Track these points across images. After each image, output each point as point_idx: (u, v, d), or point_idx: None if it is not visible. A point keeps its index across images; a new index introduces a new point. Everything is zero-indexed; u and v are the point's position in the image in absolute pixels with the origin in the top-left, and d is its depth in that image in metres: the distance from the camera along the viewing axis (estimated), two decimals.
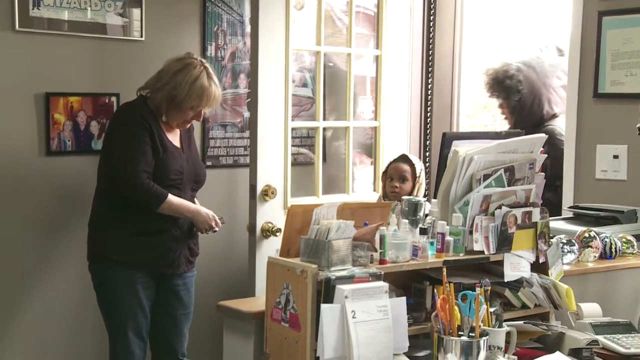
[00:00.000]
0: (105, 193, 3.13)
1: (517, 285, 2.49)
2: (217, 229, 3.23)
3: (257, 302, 2.41)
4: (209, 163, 3.95)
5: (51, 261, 3.52)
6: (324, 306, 2.05)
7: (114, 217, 3.10)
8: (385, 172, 3.57)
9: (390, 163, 3.54)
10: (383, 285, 2.13)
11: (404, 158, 3.51)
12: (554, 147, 3.50)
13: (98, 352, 3.61)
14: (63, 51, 3.48)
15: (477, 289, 2.15)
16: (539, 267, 2.53)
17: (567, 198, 3.74)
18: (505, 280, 2.45)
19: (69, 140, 3.52)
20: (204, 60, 3.25)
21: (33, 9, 3.34)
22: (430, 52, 4.40)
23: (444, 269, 2.22)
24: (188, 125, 3.26)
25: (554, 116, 3.60)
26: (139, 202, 3.06)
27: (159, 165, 3.08)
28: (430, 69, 4.41)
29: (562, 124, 3.64)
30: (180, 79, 3.11)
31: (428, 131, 4.43)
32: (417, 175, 3.46)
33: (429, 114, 4.43)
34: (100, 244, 3.13)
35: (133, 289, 3.10)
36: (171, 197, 3.08)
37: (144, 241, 3.10)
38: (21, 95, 3.38)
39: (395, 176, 3.48)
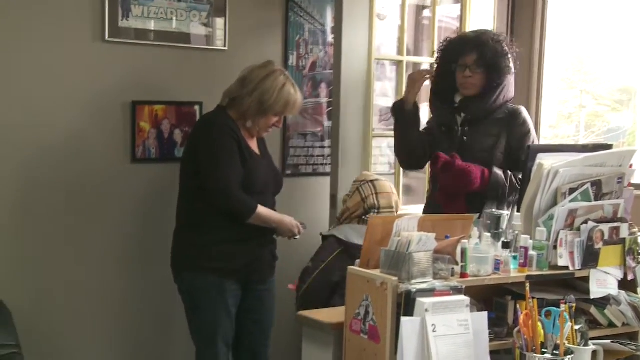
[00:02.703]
0: (195, 202, 3.17)
1: (603, 302, 2.42)
2: (298, 236, 3.26)
3: (336, 313, 2.40)
4: (288, 172, 3.99)
5: (134, 266, 3.61)
6: (404, 319, 2.03)
7: (205, 225, 3.14)
8: None
9: None
10: (464, 299, 2.09)
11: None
12: (523, 125, 3.28)
13: (176, 354, 3.68)
14: (149, 60, 3.56)
15: (562, 305, 2.10)
16: (627, 285, 2.46)
17: None
18: (591, 297, 2.38)
19: (153, 148, 3.60)
20: (283, 69, 3.29)
21: (122, 19, 3.44)
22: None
23: (527, 284, 2.18)
24: (268, 132, 3.30)
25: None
26: (231, 213, 3.11)
27: (247, 174, 3.12)
28: None
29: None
30: (269, 85, 3.15)
31: None
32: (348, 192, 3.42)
33: None
34: (191, 252, 3.17)
35: (223, 297, 3.14)
36: (260, 208, 3.12)
37: (234, 248, 3.14)
38: (109, 103, 3.48)
39: None
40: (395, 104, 3.49)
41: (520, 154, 3.19)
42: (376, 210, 3.33)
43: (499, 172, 3.20)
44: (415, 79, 3.42)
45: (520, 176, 3.16)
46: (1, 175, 3.25)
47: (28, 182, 3.31)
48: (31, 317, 3.27)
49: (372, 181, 3.37)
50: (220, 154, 3.09)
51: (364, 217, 3.32)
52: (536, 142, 3.31)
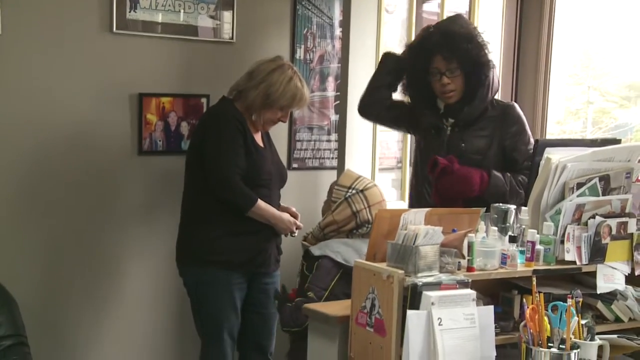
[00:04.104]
0: (200, 195, 3.17)
1: (610, 297, 2.41)
2: (295, 234, 3.28)
3: (342, 306, 2.40)
4: (295, 165, 3.99)
5: (139, 258, 3.61)
6: (410, 312, 2.02)
7: (210, 218, 3.14)
8: None
9: None
10: (471, 293, 2.09)
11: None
12: (516, 123, 3.06)
13: (182, 348, 3.68)
14: (156, 53, 3.56)
15: (569, 299, 2.10)
16: (634, 280, 2.44)
17: None
18: (598, 292, 2.37)
19: (160, 140, 3.60)
20: (291, 64, 3.29)
21: (130, 12, 3.44)
22: (519, 57, 4.31)
23: (534, 279, 2.17)
24: (272, 126, 3.29)
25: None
26: (231, 204, 3.11)
27: (252, 165, 3.12)
28: (518, 74, 4.32)
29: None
30: (275, 77, 3.15)
31: None
32: (332, 198, 3.01)
33: None
34: (197, 245, 3.17)
35: (229, 290, 3.15)
36: (260, 202, 3.12)
37: (240, 241, 3.14)
38: (117, 95, 3.48)
39: None
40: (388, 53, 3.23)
41: (515, 155, 3.04)
42: (368, 225, 2.97)
43: (498, 175, 2.98)
44: None
45: (520, 178, 2.98)
46: (6, 166, 3.25)
47: (33, 173, 3.31)
48: (37, 307, 3.28)
49: (362, 191, 3.01)
50: (225, 145, 3.09)
51: (355, 231, 3.01)
52: (531, 140, 3.07)
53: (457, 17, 3.17)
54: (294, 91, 3.17)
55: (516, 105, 3.17)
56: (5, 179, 3.25)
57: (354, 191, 3.00)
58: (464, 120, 3.06)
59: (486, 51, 3.03)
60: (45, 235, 3.37)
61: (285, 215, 3.24)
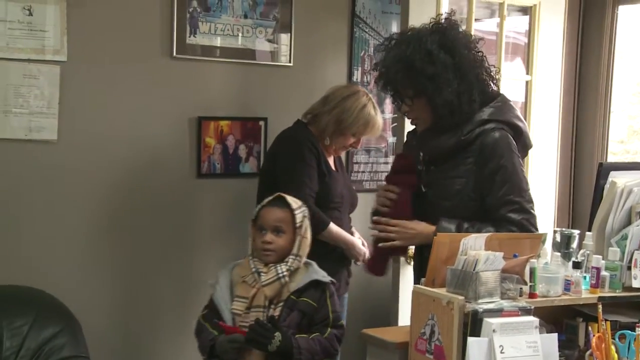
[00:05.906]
0: None
1: None
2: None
3: (401, 332, 2.37)
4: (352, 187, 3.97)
5: (198, 280, 3.63)
6: (471, 339, 1.99)
7: None
8: (254, 220, 2.66)
9: (261, 207, 2.66)
10: (533, 320, 2.05)
11: (279, 200, 2.65)
12: (497, 157, 2.51)
13: None
14: (214, 76, 3.59)
15: (637, 328, 2.04)
16: None
17: None
18: None
19: (218, 163, 3.62)
20: (367, 91, 3.29)
21: (190, 36, 3.48)
22: (580, 75, 4.23)
23: (600, 306, 2.11)
24: (344, 152, 3.29)
25: (489, 101, 2.56)
26: None
27: (324, 188, 3.13)
28: (579, 92, 4.24)
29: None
30: (349, 104, 3.16)
31: (576, 158, 4.24)
32: (297, 224, 2.61)
33: (576, 140, 4.24)
34: None
35: None
36: (332, 225, 3.11)
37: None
38: (176, 118, 3.52)
39: (266, 226, 2.61)
40: None
41: (489, 201, 2.50)
42: None
43: (450, 226, 2.51)
44: None
45: (490, 229, 2.41)
46: (70, 191, 3.30)
47: (93, 196, 3.35)
48: (99, 328, 3.32)
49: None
50: (298, 167, 3.10)
51: None
52: (517, 182, 2.51)
53: (404, 40, 2.59)
54: (367, 118, 3.18)
55: (498, 134, 2.52)
56: (69, 203, 3.31)
57: (304, 208, 2.71)
58: (430, 155, 2.62)
59: (444, 77, 2.48)
60: (104, 257, 3.40)
61: (358, 242, 3.23)
